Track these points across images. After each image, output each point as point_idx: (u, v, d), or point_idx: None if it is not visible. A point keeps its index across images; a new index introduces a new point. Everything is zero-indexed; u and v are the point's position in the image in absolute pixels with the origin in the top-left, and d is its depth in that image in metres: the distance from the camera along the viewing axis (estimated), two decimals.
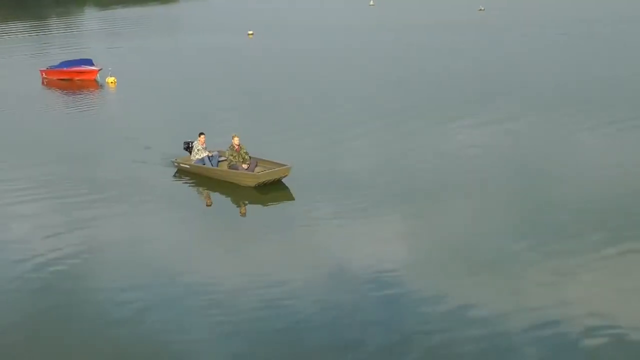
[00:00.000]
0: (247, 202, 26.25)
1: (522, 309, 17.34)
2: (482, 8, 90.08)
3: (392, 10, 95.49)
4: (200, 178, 28.24)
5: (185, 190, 27.81)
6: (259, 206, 25.92)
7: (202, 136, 28.74)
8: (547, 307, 17.41)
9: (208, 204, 27.04)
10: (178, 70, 56.45)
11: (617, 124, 34.15)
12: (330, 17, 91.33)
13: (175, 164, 29.19)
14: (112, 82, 52.14)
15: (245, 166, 27.27)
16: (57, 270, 20.81)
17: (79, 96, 49.11)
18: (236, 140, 27.59)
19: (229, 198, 26.76)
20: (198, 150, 28.60)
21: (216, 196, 27.11)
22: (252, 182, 26.57)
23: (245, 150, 27.74)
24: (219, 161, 28.64)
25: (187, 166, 28.70)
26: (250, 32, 75.84)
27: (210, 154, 28.58)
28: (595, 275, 19.03)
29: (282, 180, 26.93)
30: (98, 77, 53.58)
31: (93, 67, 54.00)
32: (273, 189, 26.50)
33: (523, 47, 60.07)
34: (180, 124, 37.44)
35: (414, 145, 31.99)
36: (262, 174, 26.51)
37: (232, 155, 27.56)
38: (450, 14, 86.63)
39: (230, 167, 27.56)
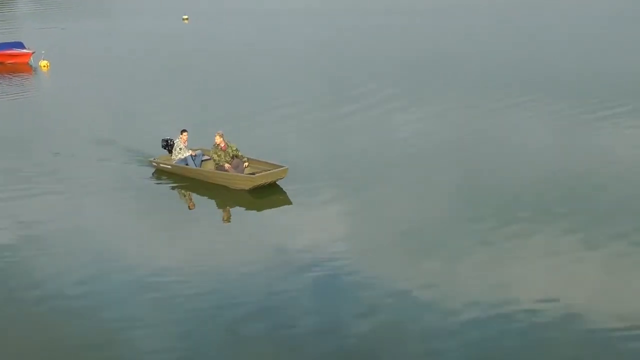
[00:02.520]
0: (236, 205, 23.92)
1: (463, 292, 17.29)
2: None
3: None
4: (182, 179, 25.66)
5: (166, 192, 25.28)
6: (253, 211, 23.66)
7: (184, 134, 26.12)
8: (488, 290, 17.40)
9: (190, 207, 24.59)
10: (112, 55, 54.62)
11: (557, 109, 34.37)
12: (265, 1, 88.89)
13: (154, 163, 26.49)
14: (44, 66, 50.41)
15: (228, 166, 24.77)
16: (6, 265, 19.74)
17: (11, 80, 46.82)
18: (218, 139, 25.04)
19: (216, 201, 24.39)
20: (180, 149, 25.98)
21: (203, 200, 24.63)
22: (246, 185, 24.15)
23: (235, 148, 25.24)
24: (202, 161, 26.11)
25: (168, 166, 26.05)
26: (186, 16, 73.14)
27: (193, 154, 26.01)
28: (535, 257, 19.09)
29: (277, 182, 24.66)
30: (31, 60, 50.93)
31: (25, 50, 51.60)
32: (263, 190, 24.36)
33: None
34: (121, 111, 36.01)
35: (355, 131, 31.74)
36: (258, 177, 24.10)
37: (216, 154, 25.01)
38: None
39: (217, 167, 25.04)
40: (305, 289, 17.96)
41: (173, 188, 25.43)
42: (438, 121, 33.26)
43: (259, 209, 23.64)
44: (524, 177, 25.06)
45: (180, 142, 26.06)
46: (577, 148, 28.31)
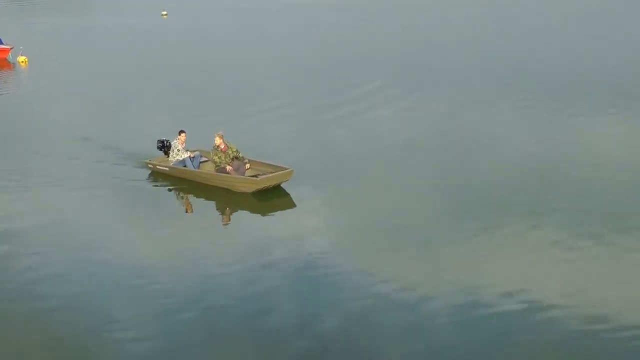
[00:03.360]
0: (238, 208, 23.10)
1: (445, 286, 17.21)
2: None
3: None
4: (179, 182, 24.75)
5: (164, 195, 24.39)
6: (257, 214, 22.79)
7: (182, 135, 25.21)
8: (468, 284, 17.25)
9: (188, 210, 23.70)
10: (91, 50, 53.87)
11: (542, 105, 34.25)
12: None
13: (150, 165, 25.55)
14: (23, 62, 49.80)
15: (229, 168, 23.93)
16: None
17: None
18: (218, 140, 24.17)
19: (216, 204, 23.51)
20: (178, 150, 25.07)
21: (202, 203, 23.73)
22: (250, 188, 23.29)
23: (236, 149, 24.38)
24: (200, 162, 25.24)
25: (166, 168, 25.12)
26: (164, 12, 72.03)
27: (191, 155, 25.13)
28: (516, 253, 18.97)
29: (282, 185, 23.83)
30: (10, 56, 50.08)
31: (4, 46, 51.05)
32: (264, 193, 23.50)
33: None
34: (105, 109, 35.15)
35: (338, 127, 31.50)
36: (262, 179, 23.25)
37: (217, 156, 24.13)
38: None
39: (218, 170, 24.17)
40: (287, 285, 17.71)
41: (170, 190, 24.52)
42: (428, 117, 32.97)
43: (263, 212, 22.75)
44: (509, 174, 24.92)
45: (178, 143, 25.16)
46: (561, 145, 28.06)
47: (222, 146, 24.12)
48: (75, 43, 56.93)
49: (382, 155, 27.54)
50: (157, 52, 51.94)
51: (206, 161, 25.32)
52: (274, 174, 23.42)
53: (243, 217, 22.68)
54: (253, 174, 24.08)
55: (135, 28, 63.57)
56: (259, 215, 22.70)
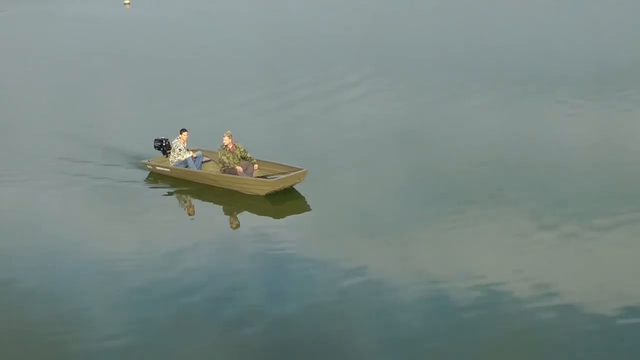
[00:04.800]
0: (247, 211, 21.77)
1: (413, 275, 17.00)
2: None
3: None
4: (181, 184, 23.24)
5: (164, 198, 22.89)
6: (268, 217, 21.42)
7: (184, 133, 23.66)
8: (437, 273, 17.03)
9: (190, 213, 22.23)
10: (54, 41, 51.21)
11: (512, 94, 33.72)
12: None
13: (149, 166, 23.97)
14: None
15: (240, 169, 22.52)
16: None
17: None
18: (227, 139, 22.70)
19: (224, 207, 22.13)
20: (180, 150, 23.53)
21: (209, 206, 22.27)
22: (263, 190, 21.87)
23: (243, 149, 22.93)
24: (202, 162, 23.77)
25: (166, 169, 23.56)
26: (127, 1, 69.87)
27: (194, 155, 23.62)
28: (483, 239, 18.87)
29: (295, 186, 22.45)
30: None
31: None
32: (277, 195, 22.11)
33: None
34: (77, 104, 33.59)
35: (306, 115, 31.15)
36: (278, 181, 21.82)
37: (225, 156, 22.67)
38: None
39: (225, 171, 22.71)
40: (257, 274, 17.54)
41: (172, 193, 23.06)
42: (395, 105, 32.50)
43: (277, 215, 21.47)
44: (477, 161, 24.53)
45: (179, 142, 23.61)
46: (529, 133, 27.72)
47: (231, 146, 22.66)
48: (35, 32, 54.59)
49: (349, 144, 26.88)
50: (121, 44, 49.97)
51: (208, 161, 23.86)
52: (288, 174, 22.01)
53: (256, 222, 21.21)
54: (261, 175, 22.67)
55: (97, 17, 61.41)
56: (271, 218, 21.36)
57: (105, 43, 50.44)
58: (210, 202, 22.38)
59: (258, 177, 22.53)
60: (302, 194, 22.11)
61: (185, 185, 23.17)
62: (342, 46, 46.14)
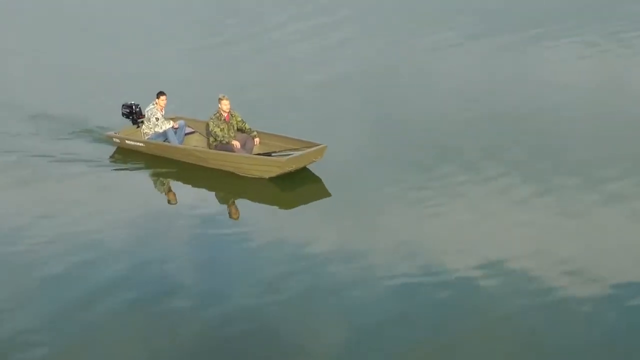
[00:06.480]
0: (245, 198, 16.92)
1: (389, 250, 14.01)
2: None
3: None
4: (160, 162, 18.08)
5: (138, 180, 17.83)
6: (273, 206, 16.52)
7: (162, 97, 18.31)
8: (415, 247, 14.10)
9: (171, 200, 17.12)
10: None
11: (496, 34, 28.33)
12: None
13: (116, 139, 18.67)
14: None
15: (236, 144, 17.40)
16: None
17: None
18: (226, 104, 17.51)
19: (217, 194, 17.21)
20: (157, 119, 18.26)
21: (195, 191, 17.25)
22: (269, 172, 16.78)
23: (241, 119, 17.78)
24: (185, 134, 18.60)
25: (140, 144, 18.31)
26: None
27: (175, 125, 18.40)
28: (467, 206, 15.54)
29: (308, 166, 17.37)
30: None
31: None
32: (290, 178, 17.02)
33: None
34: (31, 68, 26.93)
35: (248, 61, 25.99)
36: (289, 160, 16.68)
37: (219, 127, 17.47)
38: None
39: (218, 146, 17.53)
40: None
41: (148, 174, 18.05)
42: (365, 43, 27.67)
43: (284, 204, 16.55)
44: (461, 114, 20.57)
45: (156, 109, 18.28)
46: (520, 80, 23.36)
47: (226, 114, 17.48)
48: None
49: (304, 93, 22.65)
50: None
51: (191, 133, 18.74)
52: (303, 151, 16.89)
53: (259, 212, 16.16)
54: (264, 152, 17.58)
55: None
56: (279, 208, 16.41)
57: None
58: (198, 186, 17.39)
59: (259, 154, 17.45)
60: (320, 175, 17.10)
61: (164, 164, 17.99)
62: None
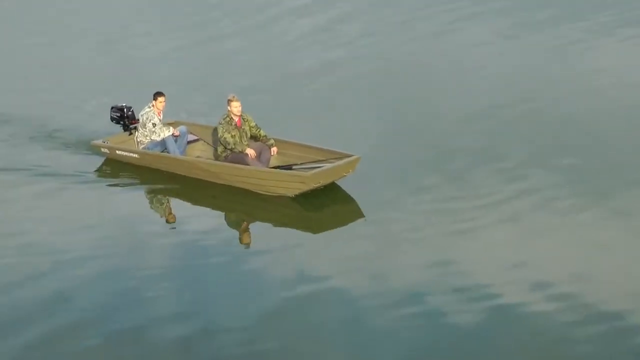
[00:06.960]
0: (259, 221, 14.11)
1: (401, 265, 12.11)
2: None
3: None
4: (157, 177, 15.20)
5: (131, 198, 14.97)
6: (309, 234, 13.57)
7: (160, 98, 15.39)
8: (430, 262, 12.20)
9: (170, 220, 14.26)
10: None
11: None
12: None
13: (104, 149, 15.69)
14: None
15: (252, 153, 14.40)
16: None
17: None
18: (237, 107, 14.49)
19: (228, 216, 14.34)
20: (155, 125, 15.27)
21: (204, 213, 14.33)
22: (293, 189, 13.83)
23: (255, 124, 14.77)
24: (188, 143, 15.63)
25: (133, 154, 15.36)
26: None
27: (176, 133, 15.42)
28: (492, 215, 13.53)
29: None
30: None
31: None
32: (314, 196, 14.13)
33: None
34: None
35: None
36: (315, 174, 13.65)
37: (229, 133, 14.45)
38: None
39: (228, 157, 14.51)
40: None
41: (142, 191, 15.25)
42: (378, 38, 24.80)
43: (314, 228, 13.57)
44: (488, 110, 18.35)
45: (153, 112, 15.34)
46: (554, 74, 20.91)
47: (237, 118, 14.45)
48: None
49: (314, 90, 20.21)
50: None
51: (195, 141, 15.79)
52: (332, 164, 13.87)
53: (281, 240, 13.14)
54: (283, 164, 14.55)
55: None
56: (308, 233, 13.44)
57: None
58: (202, 205, 14.51)
59: (278, 166, 14.46)
60: (351, 194, 14.10)
61: (162, 179, 15.13)
62: None
